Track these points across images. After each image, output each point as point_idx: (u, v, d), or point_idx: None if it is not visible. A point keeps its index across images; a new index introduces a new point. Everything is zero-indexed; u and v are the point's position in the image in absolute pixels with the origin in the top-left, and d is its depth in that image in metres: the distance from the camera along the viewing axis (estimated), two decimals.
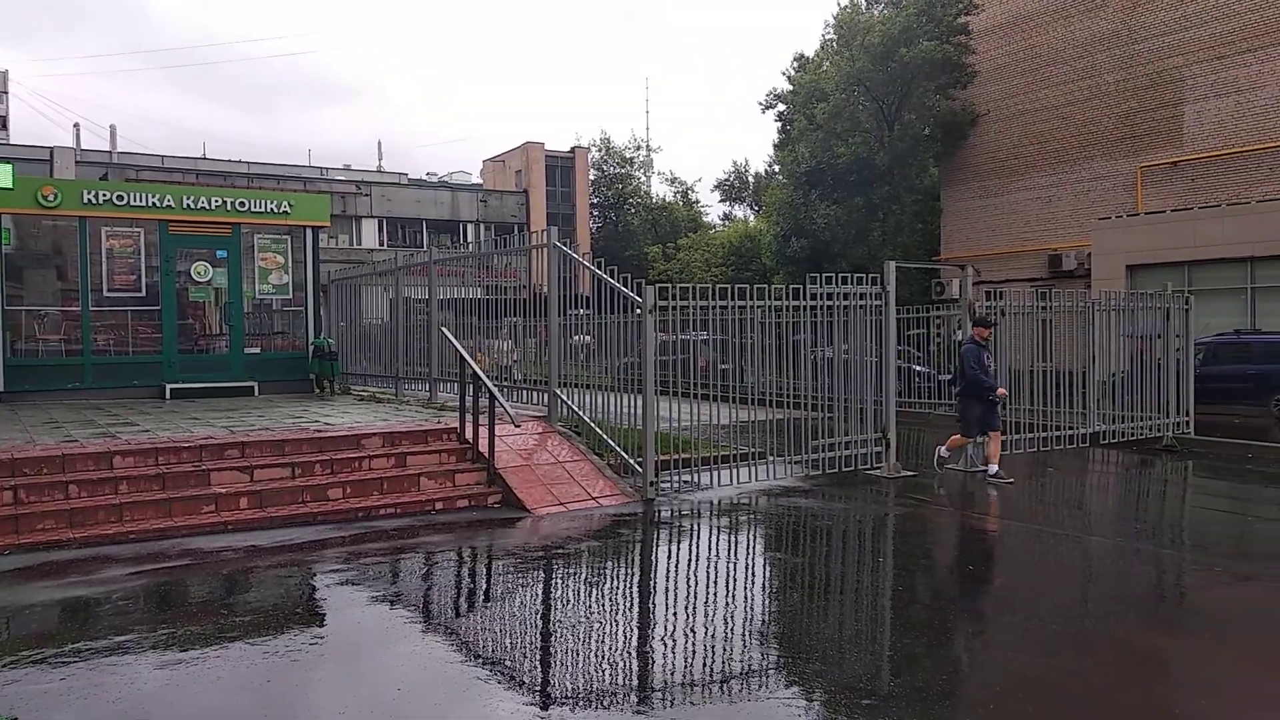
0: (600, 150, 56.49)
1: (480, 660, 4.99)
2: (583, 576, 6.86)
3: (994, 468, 10.70)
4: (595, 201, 56.38)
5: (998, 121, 28.13)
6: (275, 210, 14.94)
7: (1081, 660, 5.08)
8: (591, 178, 55.10)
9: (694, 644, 5.24)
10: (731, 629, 5.54)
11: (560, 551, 7.53)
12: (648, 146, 68.53)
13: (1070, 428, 13.03)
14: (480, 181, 53.64)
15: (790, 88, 34.11)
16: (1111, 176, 25.21)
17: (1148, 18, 24.31)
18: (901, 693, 4.50)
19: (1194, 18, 23.33)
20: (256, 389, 14.41)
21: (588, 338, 11.86)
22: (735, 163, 51.95)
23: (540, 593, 6.45)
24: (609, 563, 7.39)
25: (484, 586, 6.83)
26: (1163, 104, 24.04)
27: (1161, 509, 10.48)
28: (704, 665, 4.91)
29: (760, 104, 36.11)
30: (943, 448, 11.32)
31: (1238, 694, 4.54)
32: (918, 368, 18.90)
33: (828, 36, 33.71)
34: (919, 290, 27.95)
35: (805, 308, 10.88)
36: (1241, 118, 22.47)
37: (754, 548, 7.98)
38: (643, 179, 58.22)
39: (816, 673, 4.80)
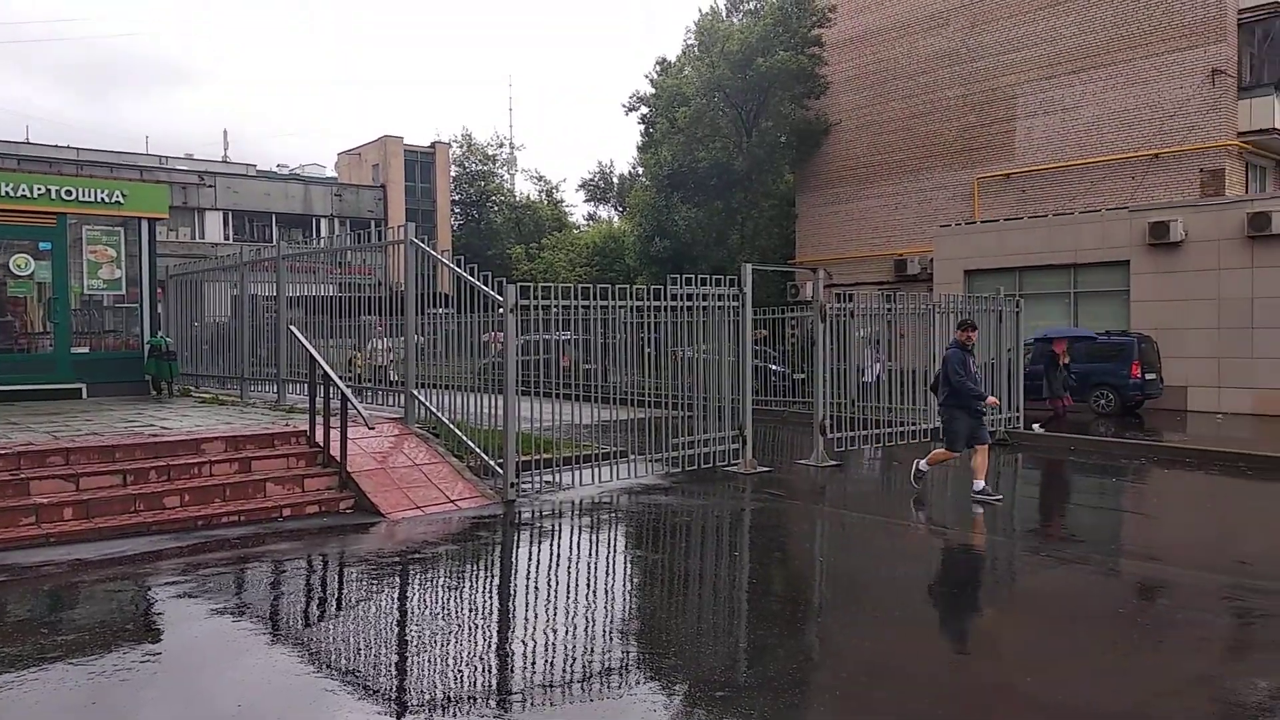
0: (462, 147, 55.54)
1: (331, 671, 4.80)
2: (440, 581, 6.71)
3: (980, 484, 9.60)
4: (457, 199, 55.36)
5: (849, 131, 29.34)
6: (107, 200, 13.92)
7: (922, 643, 5.36)
8: (453, 174, 54.07)
9: (554, 644, 5.21)
10: (592, 628, 5.54)
11: (417, 556, 7.35)
12: (511, 144, 67.84)
13: (914, 423, 13.71)
14: (335, 175, 51.76)
15: (653, 91, 34.50)
16: (952, 186, 26.73)
17: (984, 37, 25.91)
18: (754, 683, 4.62)
19: (1025, 40, 25.03)
20: (85, 391, 13.39)
21: (443, 336, 11.64)
22: (600, 163, 52.20)
23: (395, 599, 6.27)
24: (468, 566, 7.27)
25: (335, 595, 6.59)
26: (997, 120, 25.69)
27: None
28: (564, 665, 4.89)
29: (624, 106, 36.42)
30: (921, 461, 10.31)
31: (1063, 668, 4.89)
32: (774, 367, 19.50)
33: (689, 42, 34.31)
34: (775, 292, 28.79)
35: (666, 308, 11.04)
36: (1066, 135, 24.28)
37: (615, 546, 8.02)
38: (506, 177, 57.63)
39: (674, 667, 4.87)
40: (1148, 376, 17.72)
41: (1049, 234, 21.30)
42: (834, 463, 11.93)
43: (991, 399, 10.33)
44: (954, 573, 7.29)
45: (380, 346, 12.03)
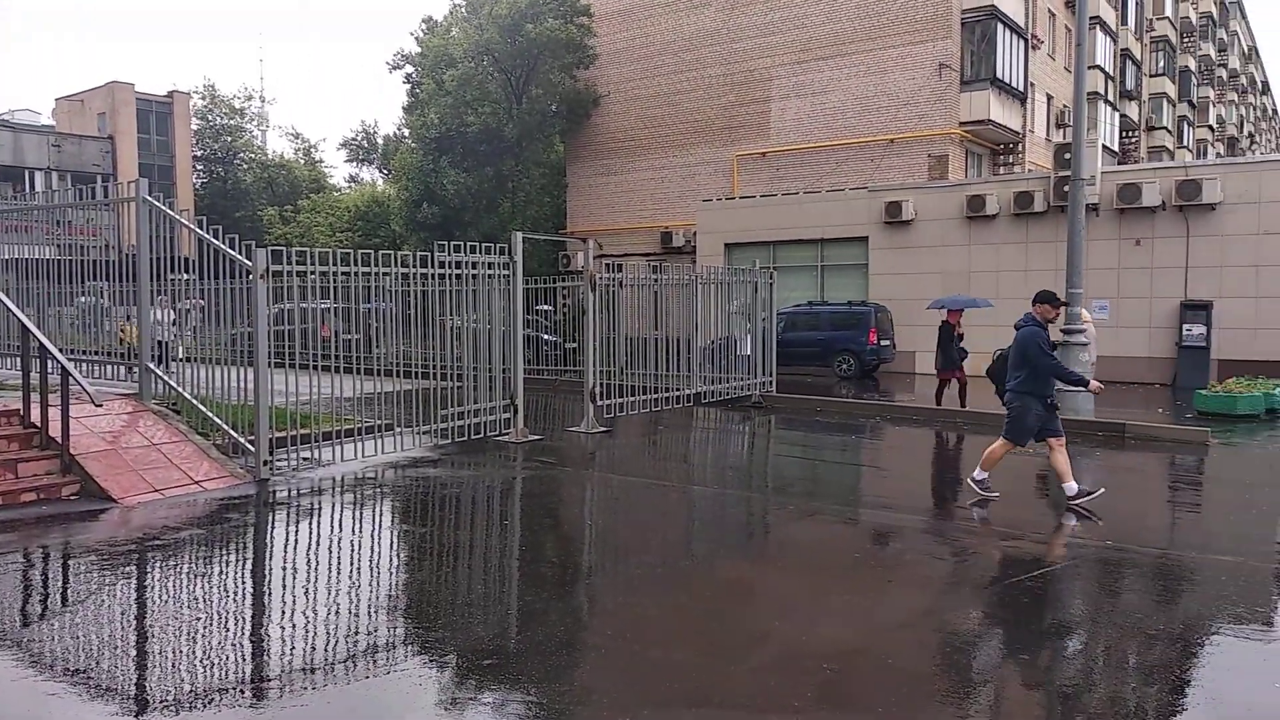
0: (204, 98, 51.03)
1: (57, 672, 4.32)
2: (184, 568, 6.21)
3: (1073, 485, 7.84)
4: (200, 155, 50.90)
5: (617, 104, 29.78)
6: None
7: (686, 596, 5.62)
8: (195, 128, 49.60)
9: (315, 627, 4.98)
10: (356, 607, 5.34)
11: (157, 543, 6.75)
12: (261, 97, 63.19)
13: (677, 389, 14.27)
14: (52, 123, 45.98)
15: (419, 50, 33.31)
16: (714, 162, 27.87)
17: (743, 19, 27.09)
18: (524, 649, 4.65)
19: (779, 25, 26.42)
20: None
21: (194, 304, 10.68)
22: (364, 123, 49.69)
23: (132, 590, 5.73)
24: (216, 551, 6.77)
25: (60, 590, 5.92)
26: (754, 100, 27.01)
27: (750, 458, 11.90)
28: (326, 647, 4.69)
29: (388, 64, 34.94)
30: (976, 471, 8.20)
31: (810, 611, 5.29)
32: (546, 336, 19.58)
33: (457, 2, 33.39)
34: (547, 262, 28.85)
35: (434, 275, 10.75)
36: (816, 117, 25.96)
37: (380, 521, 7.76)
38: (256, 133, 53.65)
39: (441, 640, 4.80)
40: (883, 343, 19.48)
41: (800, 210, 22.77)
42: (604, 429, 12.19)
43: (1096, 384, 8.51)
44: (713, 529, 7.69)
45: (164, 319, 10.69)
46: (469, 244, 11.06)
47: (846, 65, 25.33)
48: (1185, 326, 17.60)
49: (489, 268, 11.16)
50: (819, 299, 21.65)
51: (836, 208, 22.26)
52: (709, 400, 14.88)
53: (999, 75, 24.23)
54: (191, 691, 4.15)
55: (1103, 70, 32.95)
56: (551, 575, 6.14)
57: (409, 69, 34.41)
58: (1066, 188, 14.69)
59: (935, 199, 20.97)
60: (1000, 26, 24.19)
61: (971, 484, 8.19)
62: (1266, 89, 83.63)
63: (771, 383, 15.81)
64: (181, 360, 10.16)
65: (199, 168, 50.79)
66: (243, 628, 5.05)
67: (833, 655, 4.55)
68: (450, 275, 10.80)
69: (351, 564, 6.34)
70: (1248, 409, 13.21)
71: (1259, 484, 9.40)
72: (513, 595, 5.67)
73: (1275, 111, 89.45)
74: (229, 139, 51.72)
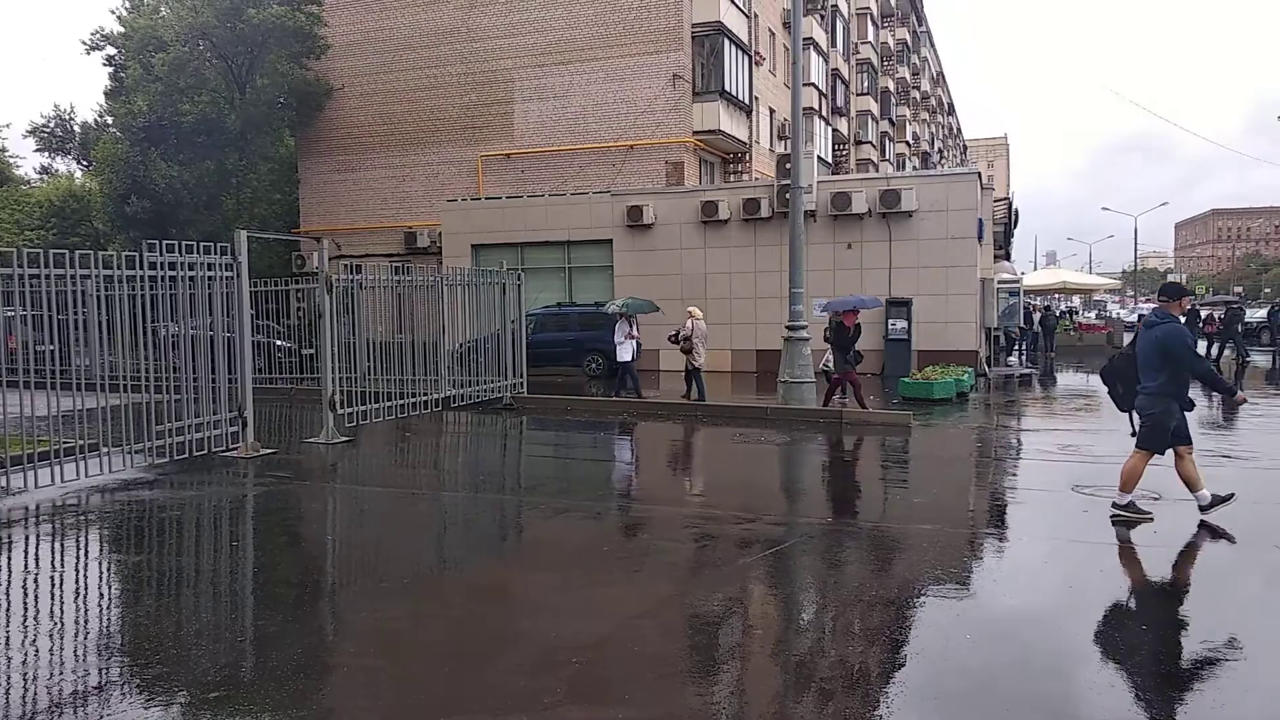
0: None
1: None
2: None
3: (1206, 494, 7.15)
4: None
5: (354, 98, 28.57)
6: None
7: (435, 604, 5.48)
8: None
9: (8, 680, 4.34)
10: (59, 651, 4.72)
11: None
12: None
13: (425, 394, 13.90)
14: None
15: (123, 30, 30.13)
16: (458, 162, 27.48)
17: (482, 19, 26.91)
18: (258, 676, 4.32)
19: (519, 27, 26.51)
20: None
21: None
22: (58, 107, 43.85)
23: None
24: None
25: None
26: (497, 101, 26.93)
27: (502, 460, 11.83)
28: (22, 700, 4.10)
29: (85, 44, 31.25)
30: (1118, 495, 7.26)
31: (561, 607, 5.33)
32: (279, 342, 18.40)
33: None
34: (279, 263, 27.14)
35: (145, 278, 9.74)
36: (559, 120, 26.29)
37: (86, 552, 6.92)
38: None
39: (161, 676, 4.35)
40: None
41: (546, 213, 22.96)
42: (346, 439, 11.64)
43: (1243, 394, 7.98)
44: (464, 534, 7.56)
45: None
46: (186, 243, 10.12)
47: (586, 71, 25.87)
48: (890, 321, 19.59)
49: (209, 269, 10.28)
50: (568, 300, 21.94)
51: (581, 211, 22.66)
52: (459, 404, 14.64)
53: (727, 88, 25.74)
54: None
55: (817, 88, 35.96)
56: (289, 596, 5.76)
57: (110, 50, 31.01)
58: (788, 195, 15.87)
59: (673, 204, 21.91)
60: (727, 42, 25.71)
61: (1117, 511, 7.18)
62: (952, 110, 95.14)
63: (523, 384, 15.82)
64: None
65: None
66: None
67: (582, 648, 4.61)
68: (164, 277, 9.82)
69: (53, 602, 5.60)
70: (942, 394, 14.95)
71: (952, 459, 10.66)
72: (246, 621, 5.26)
73: (959, 130, 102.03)
74: None
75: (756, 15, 29.47)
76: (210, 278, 10.30)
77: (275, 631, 4.99)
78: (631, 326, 15.97)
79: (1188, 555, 6.49)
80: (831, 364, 14.20)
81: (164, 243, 9.93)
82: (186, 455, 9.94)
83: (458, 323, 15.16)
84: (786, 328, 14.18)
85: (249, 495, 8.84)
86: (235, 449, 10.47)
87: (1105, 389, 7.78)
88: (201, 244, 10.31)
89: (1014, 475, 9.87)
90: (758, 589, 5.77)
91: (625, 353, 15.88)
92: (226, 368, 10.54)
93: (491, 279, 15.76)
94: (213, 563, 6.66)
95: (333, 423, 11.60)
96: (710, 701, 4.05)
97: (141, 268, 9.67)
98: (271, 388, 16.96)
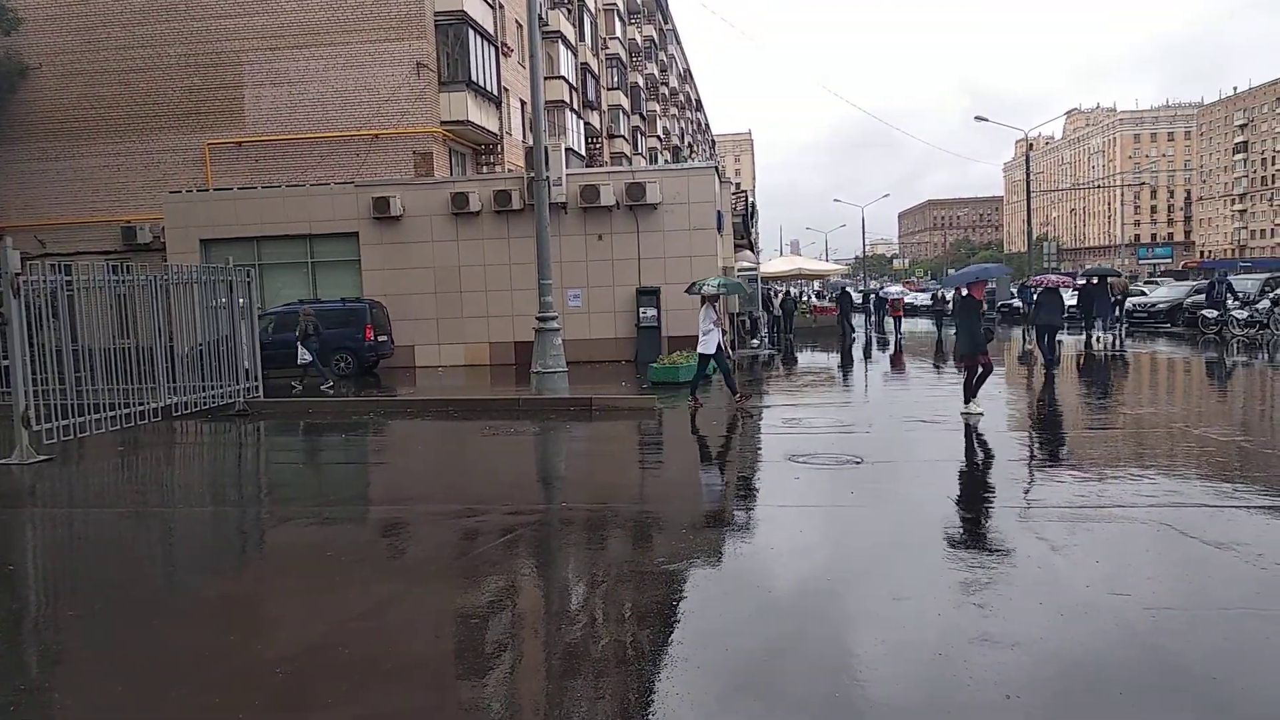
0: None
1: None
2: None
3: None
4: None
5: (55, 78, 25.61)
6: None
7: (131, 629, 5.02)
8: None
9: None
10: None
11: None
12: None
13: (143, 403, 12.72)
14: None
15: None
16: (182, 150, 25.33)
17: None
18: None
19: (245, 7, 24.81)
20: None
21: None
22: None
23: None
24: None
25: None
26: (225, 85, 25.07)
27: (239, 470, 11.06)
28: None
29: None
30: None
31: (274, 617, 5.05)
32: None
33: None
34: None
35: None
36: (295, 108, 24.88)
37: None
38: None
39: None
40: (380, 338, 19.44)
41: (284, 205, 21.68)
42: (45, 457, 10.43)
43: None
44: (206, 550, 6.98)
45: None
46: None
47: (323, 56, 24.66)
48: (641, 310, 20.23)
49: None
50: (312, 296, 20.85)
51: (323, 203, 21.59)
52: (184, 412, 13.52)
53: (474, 79, 25.43)
54: None
55: (567, 81, 36.35)
56: None
57: None
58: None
59: (422, 196, 21.39)
60: (471, 32, 25.38)
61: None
62: (700, 106, 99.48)
63: (258, 388, 14.86)
64: None
65: None
66: None
67: (287, 658, 4.39)
68: None
69: None
70: (687, 377, 15.61)
71: (675, 440, 11.17)
72: None
73: (706, 125, 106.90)
74: None
75: (503, 6, 29.33)
76: None
77: None
78: (717, 313, 13.50)
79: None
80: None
81: None
82: None
83: (185, 325, 14.00)
84: (537, 319, 14.26)
85: None
86: None
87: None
88: None
89: (745, 450, 10.51)
90: (490, 581, 5.76)
91: (710, 344, 13.22)
92: None
93: (219, 276, 14.66)
94: None
95: (28, 440, 10.35)
96: (413, 698, 4.00)
97: None
98: None
